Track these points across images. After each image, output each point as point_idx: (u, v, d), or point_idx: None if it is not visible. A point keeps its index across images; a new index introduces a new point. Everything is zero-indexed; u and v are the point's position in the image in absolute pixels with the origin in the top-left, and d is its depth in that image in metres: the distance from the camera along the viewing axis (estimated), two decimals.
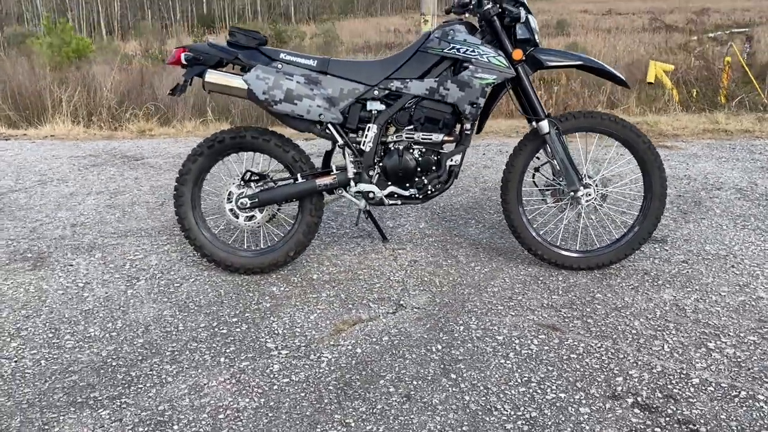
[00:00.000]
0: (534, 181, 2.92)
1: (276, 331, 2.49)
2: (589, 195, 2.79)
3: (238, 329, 2.51)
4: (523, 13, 2.64)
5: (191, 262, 3.11)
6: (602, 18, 33.53)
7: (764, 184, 4.09)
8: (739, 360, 2.23)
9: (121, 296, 2.79)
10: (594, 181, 2.81)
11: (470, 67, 2.65)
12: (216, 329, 2.51)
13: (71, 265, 3.11)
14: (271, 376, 2.21)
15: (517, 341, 2.37)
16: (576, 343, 2.35)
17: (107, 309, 2.69)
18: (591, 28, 25.70)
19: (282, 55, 2.76)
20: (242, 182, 2.86)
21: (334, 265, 3.04)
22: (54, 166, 5.03)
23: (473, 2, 2.74)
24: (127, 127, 7.20)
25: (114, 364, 2.29)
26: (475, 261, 3.05)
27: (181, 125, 7.24)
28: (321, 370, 2.23)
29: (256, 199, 2.83)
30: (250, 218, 2.90)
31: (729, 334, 2.38)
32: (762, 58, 11.81)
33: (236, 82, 2.72)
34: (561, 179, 2.83)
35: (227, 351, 2.36)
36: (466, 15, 2.80)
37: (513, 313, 2.57)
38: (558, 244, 2.98)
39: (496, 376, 2.17)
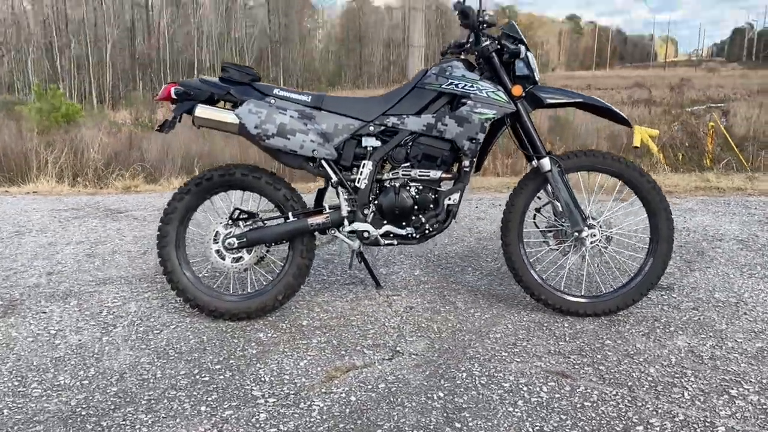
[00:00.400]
0: (535, 222, 2.80)
1: (263, 379, 2.28)
2: (594, 236, 2.67)
3: (222, 376, 2.31)
4: (522, 49, 2.59)
5: (173, 308, 2.92)
6: (584, 92, 34.52)
7: (765, 235, 4.01)
8: (765, 407, 2.06)
9: (95, 343, 2.58)
10: (598, 222, 2.70)
11: (469, 102, 2.58)
12: (197, 376, 2.31)
13: (44, 313, 2.90)
14: (257, 425, 2.00)
15: (525, 388, 2.19)
16: (589, 390, 2.17)
17: (79, 356, 2.47)
18: None
19: (276, 91, 2.67)
20: (230, 221, 2.72)
21: (325, 312, 2.86)
22: (33, 218, 4.85)
23: (470, 41, 2.70)
24: (112, 185, 7.07)
25: (84, 413, 2.08)
26: (475, 307, 2.89)
27: (168, 182, 7.12)
28: (312, 419, 2.03)
29: (245, 239, 2.68)
30: (238, 260, 2.74)
31: (751, 381, 2.21)
32: (738, 131, 12.05)
33: (227, 116, 2.61)
34: (564, 220, 2.72)
35: (209, 399, 2.15)
36: (463, 55, 2.76)
37: (518, 360, 2.39)
38: (562, 288, 2.83)
39: (505, 425, 1.98)
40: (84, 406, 2.12)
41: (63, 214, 5.02)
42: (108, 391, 2.21)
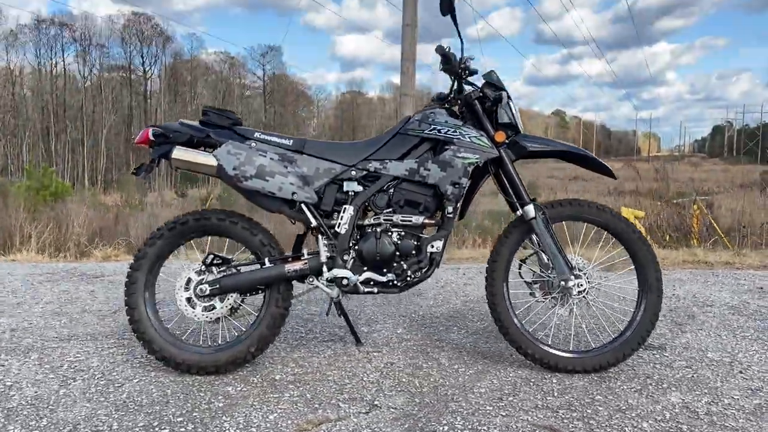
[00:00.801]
0: (520, 273, 2.71)
1: None
2: (581, 285, 2.57)
3: (183, 429, 2.13)
4: (504, 96, 2.59)
5: (138, 363, 2.75)
6: (569, 182, 35.19)
7: (755, 302, 3.92)
8: None
9: (51, 396, 2.40)
10: (584, 273, 2.61)
11: (452, 147, 2.55)
12: (156, 429, 2.13)
13: (2, 366, 2.73)
14: None
15: None
16: None
17: (33, 407, 2.29)
18: (559, 189, 26.80)
19: (256, 134, 2.63)
20: (203, 267, 2.60)
21: (300, 366, 2.70)
22: (6, 282, 4.69)
23: (453, 90, 2.70)
24: (92, 254, 6.93)
25: None
26: (459, 363, 2.74)
27: None
28: None
29: (217, 285, 2.56)
30: (210, 309, 2.60)
31: None
32: (724, 222, 12.17)
33: (205, 158, 2.55)
34: (550, 271, 2.63)
35: None
36: (446, 106, 2.75)
37: (504, 413, 2.23)
38: (549, 342, 2.70)
39: None
40: None
41: (37, 278, 4.86)
42: None
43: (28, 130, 48.68)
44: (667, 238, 9.28)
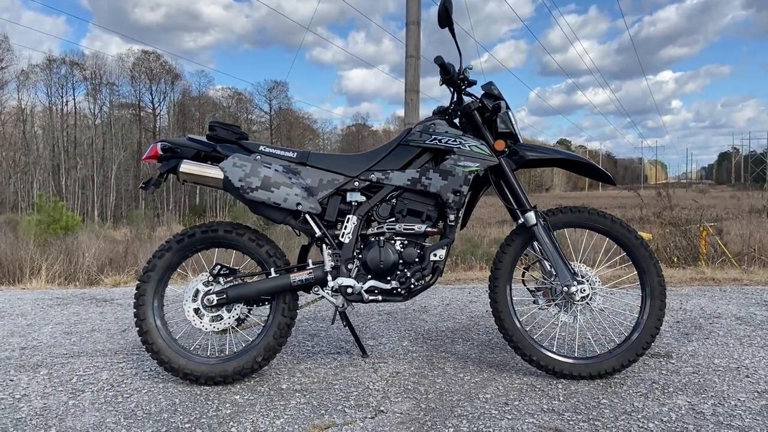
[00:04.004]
0: (524, 281, 2.73)
1: None
2: (584, 291, 2.59)
3: None
4: (503, 105, 2.65)
5: (147, 375, 2.78)
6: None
7: (762, 313, 3.91)
8: None
9: (60, 406, 2.43)
10: (587, 279, 2.63)
11: (453, 156, 2.60)
12: None
13: (11, 380, 2.76)
14: None
15: None
16: None
17: (42, 417, 2.32)
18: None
19: (261, 148, 2.70)
20: (210, 277, 2.64)
21: (306, 377, 2.72)
22: (16, 305, 4.74)
23: (453, 102, 2.77)
24: (102, 282, 6.98)
25: None
26: (464, 372, 2.75)
27: None
28: None
29: (224, 296, 2.60)
30: (217, 319, 2.64)
31: None
32: (734, 247, 12.11)
33: (212, 171, 2.62)
34: (552, 279, 2.65)
35: None
36: (446, 117, 2.81)
37: (509, 417, 2.24)
38: (554, 349, 2.71)
39: None
40: None
41: (47, 302, 4.91)
42: None
43: (38, 167, 49.26)
44: (675, 259, 9.25)
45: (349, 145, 72.34)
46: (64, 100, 54.82)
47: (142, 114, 58.82)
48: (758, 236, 13.56)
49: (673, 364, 2.83)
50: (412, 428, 2.15)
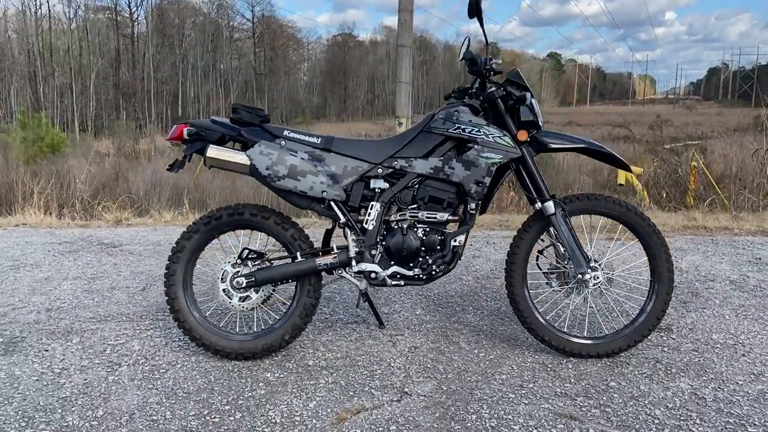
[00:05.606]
0: (538, 264, 2.86)
1: (273, 420, 2.28)
2: (597, 278, 2.73)
3: (232, 417, 2.30)
4: (528, 95, 2.67)
5: (177, 347, 2.91)
6: (564, 128, 35.16)
7: (755, 276, 4.10)
8: None
9: (101, 383, 2.57)
10: (600, 264, 2.76)
11: (476, 146, 2.65)
12: (207, 417, 2.30)
13: (46, 351, 2.88)
14: None
15: (535, 431, 2.21)
16: None
17: (87, 396, 2.46)
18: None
19: (286, 132, 2.72)
20: (239, 260, 2.73)
21: (330, 351, 2.87)
22: (27, 252, 4.82)
23: (475, 86, 2.78)
24: (102, 216, 7.03)
25: None
26: (479, 348, 2.91)
27: (159, 215, 7.10)
28: None
29: (253, 278, 2.70)
30: (245, 299, 2.75)
31: (755, 424, 2.26)
32: (717, 168, 12.31)
33: (238, 157, 2.65)
34: (566, 262, 2.78)
35: None
36: (467, 99, 2.83)
37: (526, 402, 2.42)
38: (566, 330, 2.88)
39: None
40: None
41: (56, 247, 4.98)
42: None
43: (14, 74, 47.69)
44: (664, 195, 9.45)
45: (335, 56, 70.60)
46: (38, 3, 52.36)
47: (119, 18, 56.46)
48: (741, 157, 13.77)
49: (674, 339, 3.02)
50: (437, 414, 2.33)
